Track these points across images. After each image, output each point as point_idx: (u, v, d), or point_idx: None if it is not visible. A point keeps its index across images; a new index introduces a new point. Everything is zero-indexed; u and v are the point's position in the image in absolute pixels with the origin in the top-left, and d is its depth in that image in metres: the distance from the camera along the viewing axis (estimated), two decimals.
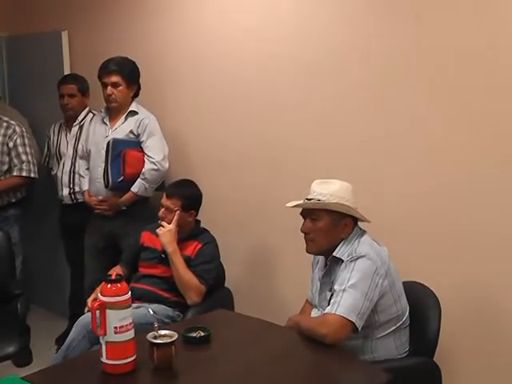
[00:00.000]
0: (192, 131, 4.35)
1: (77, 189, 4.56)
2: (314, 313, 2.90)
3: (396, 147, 3.30)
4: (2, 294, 3.71)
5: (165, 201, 3.62)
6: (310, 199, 2.80)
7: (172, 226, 3.53)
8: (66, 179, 4.61)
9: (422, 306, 2.88)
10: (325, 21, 3.51)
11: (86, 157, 4.28)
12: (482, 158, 2.99)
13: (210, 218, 3.84)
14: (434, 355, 2.78)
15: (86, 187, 4.29)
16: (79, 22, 4.96)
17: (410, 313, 2.83)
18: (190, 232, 3.65)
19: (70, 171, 4.60)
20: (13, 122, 4.54)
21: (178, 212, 3.56)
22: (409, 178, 3.27)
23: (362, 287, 2.61)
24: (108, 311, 2.30)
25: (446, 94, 3.07)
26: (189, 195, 3.65)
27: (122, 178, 4.04)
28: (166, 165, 4.08)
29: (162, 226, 3.58)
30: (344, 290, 2.62)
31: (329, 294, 2.78)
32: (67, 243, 4.83)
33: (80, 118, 4.65)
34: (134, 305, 3.37)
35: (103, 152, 4.08)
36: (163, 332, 2.41)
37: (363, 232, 2.84)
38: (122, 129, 4.10)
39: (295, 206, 2.84)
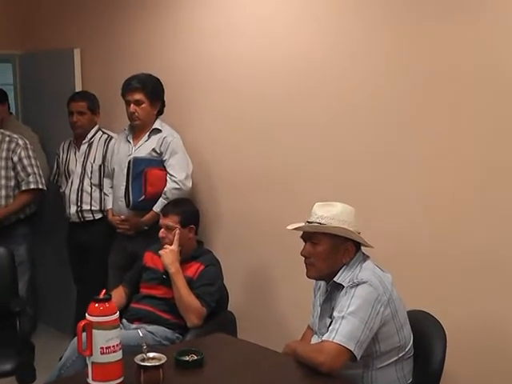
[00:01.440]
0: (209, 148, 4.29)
1: (84, 207, 4.55)
2: (314, 339, 2.83)
3: (411, 171, 3.23)
4: (2, 311, 3.69)
5: (163, 220, 3.60)
6: (310, 222, 2.74)
7: (174, 247, 3.49)
8: (73, 197, 4.59)
9: (427, 337, 2.77)
10: (347, 25, 3.42)
11: (111, 175, 4.28)
12: (498, 179, 2.90)
13: (215, 237, 3.81)
14: None
15: (109, 206, 4.31)
16: (92, 40, 4.98)
17: (414, 343, 2.73)
18: (193, 253, 3.61)
19: (77, 189, 4.59)
20: (15, 136, 4.52)
21: (177, 231, 3.53)
22: (416, 204, 3.20)
23: (361, 315, 2.53)
24: (94, 331, 2.24)
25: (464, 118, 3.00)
26: (186, 210, 3.64)
27: (143, 197, 4.02)
28: (189, 184, 4.04)
29: (164, 245, 3.55)
30: (343, 317, 2.54)
31: (329, 320, 2.70)
32: (74, 262, 4.80)
33: (89, 135, 4.63)
34: (133, 326, 3.40)
35: (126, 171, 4.06)
36: (152, 354, 2.36)
37: (366, 257, 2.76)
38: (145, 147, 4.09)
39: (295, 229, 2.77)
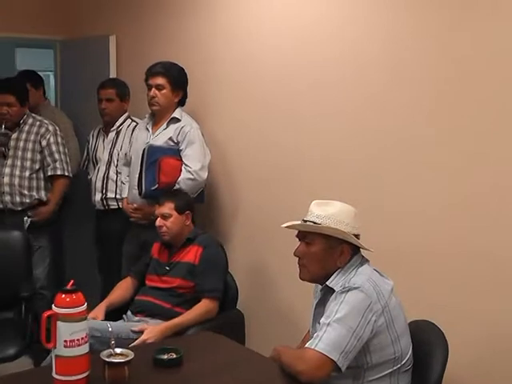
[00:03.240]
0: (229, 140, 4.22)
1: (109, 195, 4.54)
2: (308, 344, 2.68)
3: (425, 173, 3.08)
4: (12, 295, 3.71)
5: (158, 210, 3.57)
6: (305, 221, 2.60)
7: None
8: (99, 184, 4.58)
9: (427, 347, 2.60)
10: (370, 26, 3.30)
11: (128, 164, 4.26)
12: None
13: (233, 231, 3.76)
14: None
15: (125, 194, 4.29)
16: (127, 27, 4.96)
17: (413, 355, 2.56)
18: (188, 236, 3.57)
19: (103, 177, 4.58)
20: (46, 121, 4.56)
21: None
22: (432, 207, 3.05)
23: (349, 322, 2.38)
24: (59, 323, 2.17)
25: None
26: (181, 197, 3.61)
27: (156, 186, 3.95)
28: (204, 175, 3.96)
29: (163, 235, 3.53)
30: (328, 324, 2.39)
31: (319, 326, 2.55)
32: (99, 250, 4.80)
33: (118, 123, 4.61)
34: (136, 318, 3.36)
35: (140, 159, 4.02)
36: (119, 350, 2.27)
37: (364, 261, 2.60)
38: (163, 136, 4.03)
39: (287, 227, 2.65)
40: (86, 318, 2.22)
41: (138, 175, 4.02)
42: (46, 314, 2.18)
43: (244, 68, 4.03)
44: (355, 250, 2.59)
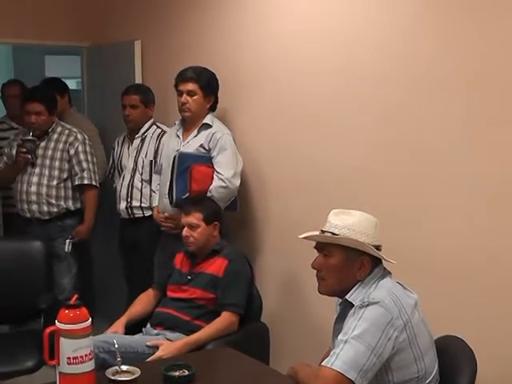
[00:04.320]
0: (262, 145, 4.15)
1: (134, 203, 4.51)
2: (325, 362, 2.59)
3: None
4: (31, 307, 3.71)
5: (185, 219, 3.51)
6: (323, 231, 2.51)
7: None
8: (124, 193, 4.56)
9: (454, 365, 2.48)
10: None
11: (159, 171, 4.22)
12: None
13: (263, 241, 3.71)
14: None
15: (155, 203, 4.26)
16: (153, 32, 4.94)
17: (440, 372, 2.45)
18: (214, 247, 3.51)
19: (128, 185, 4.54)
20: (75, 130, 4.59)
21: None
22: (450, 215, 2.97)
23: (368, 339, 2.28)
24: (62, 339, 2.13)
25: None
26: (209, 206, 3.56)
27: (187, 194, 3.91)
28: (237, 182, 3.91)
29: (189, 246, 3.47)
30: (346, 341, 2.30)
31: None
32: (123, 259, 4.77)
33: (143, 130, 4.58)
34: (155, 331, 3.34)
35: (171, 166, 3.99)
36: (125, 368, 2.22)
37: (386, 274, 2.50)
38: (194, 142, 3.99)
39: (305, 238, 2.58)
40: (90, 334, 2.18)
41: (168, 183, 3.98)
42: (49, 329, 2.14)
43: (274, 76, 3.97)
44: (376, 261, 2.50)
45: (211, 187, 3.86)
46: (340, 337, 2.34)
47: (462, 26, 2.87)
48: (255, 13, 4.06)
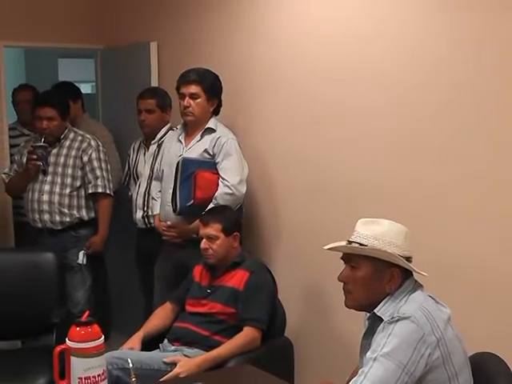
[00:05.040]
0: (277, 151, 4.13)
1: (151, 212, 4.47)
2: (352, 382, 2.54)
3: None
4: (43, 321, 3.71)
5: (203, 230, 3.48)
6: (350, 242, 2.47)
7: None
8: (140, 201, 4.54)
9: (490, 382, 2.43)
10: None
11: (160, 178, 4.19)
12: None
13: (274, 251, 3.70)
14: None
15: (156, 211, 4.22)
16: (169, 32, 4.94)
17: None
18: (235, 259, 3.49)
19: (144, 193, 4.51)
20: (88, 136, 4.58)
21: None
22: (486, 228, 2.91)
23: (398, 357, 2.23)
24: (73, 358, 2.10)
25: None
26: (228, 216, 3.53)
27: (191, 202, 3.89)
28: (243, 189, 3.89)
29: (208, 258, 3.44)
30: (375, 359, 2.25)
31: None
32: (140, 271, 4.76)
33: (159, 135, 4.55)
34: (172, 347, 3.34)
35: (174, 173, 3.96)
36: None
37: (417, 287, 2.45)
38: (197, 147, 3.97)
39: (330, 249, 2.53)
40: (102, 353, 2.16)
41: (171, 190, 3.95)
42: (59, 348, 2.11)
43: (289, 77, 3.95)
44: (407, 274, 2.45)
45: (216, 194, 3.84)
46: (369, 354, 2.30)
47: (477, 28, 2.87)
48: (272, 13, 4.05)
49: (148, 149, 4.60)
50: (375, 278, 2.41)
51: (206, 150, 3.92)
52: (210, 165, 3.92)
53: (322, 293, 3.79)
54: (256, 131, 4.18)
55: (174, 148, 4.08)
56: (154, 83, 4.98)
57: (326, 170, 3.72)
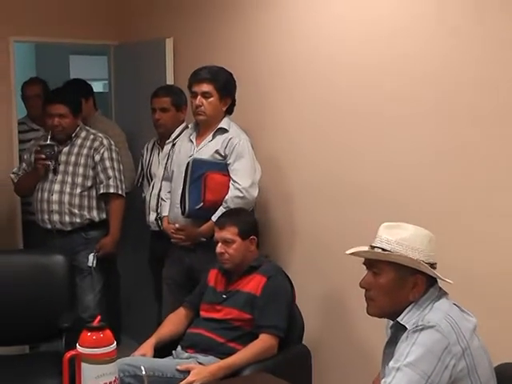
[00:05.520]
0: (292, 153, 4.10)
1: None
2: None
3: None
4: (52, 326, 3.68)
5: (219, 233, 3.46)
6: (373, 247, 2.45)
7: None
8: (153, 203, 4.51)
9: None
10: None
11: (170, 178, 4.18)
12: None
13: (288, 257, 3.67)
14: None
15: (165, 213, 4.21)
16: (185, 28, 4.90)
17: None
18: (251, 263, 3.47)
19: (158, 194, 4.46)
20: (100, 135, 4.57)
21: None
22: None
23: (422, 367, 2.21)
24: (84, 365, 2.09)
25: None
26: (244, 219, 3.52)
27: (201, 204, 3.87)
28: (255, 193, 3.86)
29: (224, 263, 3.43)
30: (398, 369, 2.23)
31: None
32: (154, 275, 4.73)
33: (174, 135, 4.52)
34: (186, 354, 3.32)
35: (184, 174, 3.94)
36: None
37: (442, 294, 2.43)
38: (208, 148, 3.95)
39: (352, 254, 2.51)
40: (114, 360, 2.14)
41: (180, 192, 3.93)
42: (69, 354, 2.09)
43: (305, 79, 3.93)
44: (431, 281, 2.43)
45: (227, 197, 3.82)
46: (391, 364, 2.28)
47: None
48: (290, 10, 4.03)
49: (162, 149, 4.57)
50: (398, 285, 2.40)
51: (217, 151, 3.90)
52: (221, 166, 3.89)
53: (341, 299, 3.76)
54: (270, 132, 4.15)
55: (184, 148, 4.07)
56: (170, 81, 4.94)
57: (345, 173, 3.69)
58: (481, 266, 3.00)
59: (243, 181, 3.82)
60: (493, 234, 2.96)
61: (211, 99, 3.91)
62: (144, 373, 2.51)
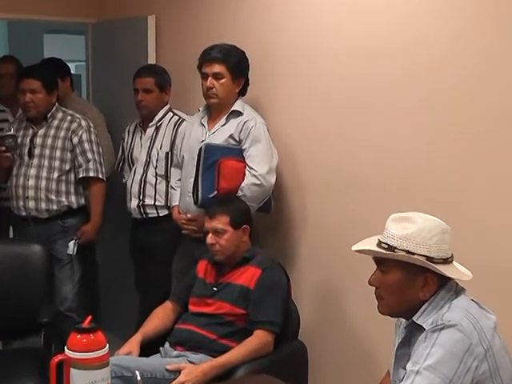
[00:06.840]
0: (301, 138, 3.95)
1: (147, 201, 4.32)
2: None
3: None
4: (30, 320, 3.53)
5: (209, 223, 3.33)
6: (381, 242, 2.31)
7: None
8: (135, 189, 4.36)
9: None
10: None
11: (180, 165, 4.04)
12: None
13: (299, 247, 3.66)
14: None
15: (175, 202, 4.08)
16: (169, 5, 4.77)
17: None
18: (244, 255, 3.34)
19: (140, 180, 4.35)
20: (78, 116, 4.43)
21: None
22: None
23: (443, 370, 2.08)
24: (73, 371, 1.90)
25: None
26: (236, 208, 3.39)
27: (215, 193, 3.71)
28: (272, 180, 3.72)
29: (216, 255, 3.31)
30: (417, 372, 2.09)
31: (403, 372, 2.25)
32: (135, 265, 4.60)
33: (157, 117, 4.38)
34: (175, 352, 3.18)
35: (196, 160, 3.79)
36: None
37: (459, 291, 2.29)
38: (222, 132, 3.79)
39: (357, 251, 2.38)
40: (107, 365, 1.95)
41: (193, 180, 3.79)
42: (57, 358, 1.90)
43: (316, 56, 3.75)
44: (444, 278, 2.28)
45: (243, 185, 3.67)
46: (409, 366, 2.15)
47: None
48: None
49: (145, 132, 4.42)
50: (406, 284, 2.28)
51: (231, 136, 3.74)
52: (235, 152, 3.74)
53: (340, 293, 3.67)
54: (278, 117, 3.99)
55: (195, 132, 3.90)
56: (152, 61, 4.81)
57: (357, 161, 3.56)
58: (499, 260, 2.91)
59: (260, 167, 3.67)
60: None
61: (223, 80, 3.75)
62: (139, 378, 2.35)
